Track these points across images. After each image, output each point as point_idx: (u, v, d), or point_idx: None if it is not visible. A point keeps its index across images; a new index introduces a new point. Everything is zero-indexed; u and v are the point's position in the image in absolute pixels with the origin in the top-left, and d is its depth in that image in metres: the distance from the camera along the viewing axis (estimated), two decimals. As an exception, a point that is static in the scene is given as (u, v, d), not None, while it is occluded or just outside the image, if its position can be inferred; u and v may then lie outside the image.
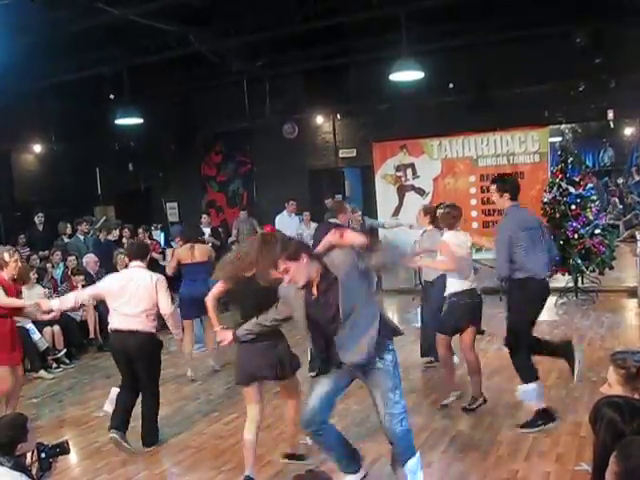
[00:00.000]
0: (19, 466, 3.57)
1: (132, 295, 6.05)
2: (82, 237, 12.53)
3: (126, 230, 12.64)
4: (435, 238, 7.23)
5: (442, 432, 6.02)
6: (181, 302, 8.68)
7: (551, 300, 11.01)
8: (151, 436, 6.17)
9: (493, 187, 6.21)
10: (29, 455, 3.74)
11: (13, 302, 6.64)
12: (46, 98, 13.95)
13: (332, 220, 8.21)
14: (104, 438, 6.43)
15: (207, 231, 13.02)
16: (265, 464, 5.56)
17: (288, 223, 13.40)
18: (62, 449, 3.88)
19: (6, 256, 6.71)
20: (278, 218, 13.53)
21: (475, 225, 12.52)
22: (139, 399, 6.25)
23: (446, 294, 6.48)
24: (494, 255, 6.10)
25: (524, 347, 6.04)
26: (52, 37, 10.07)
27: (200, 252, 8.79)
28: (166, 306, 6.16)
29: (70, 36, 10.03)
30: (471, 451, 5.54)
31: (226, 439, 6.25)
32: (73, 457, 5.95)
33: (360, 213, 11.38)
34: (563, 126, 12.35)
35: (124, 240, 12.39)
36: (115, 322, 6.16)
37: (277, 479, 5.27)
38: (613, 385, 3.48)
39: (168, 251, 12.47)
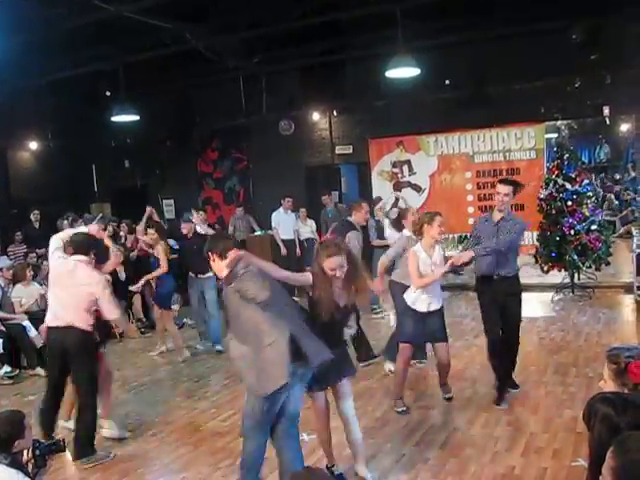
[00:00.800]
0: (16, 463, 3.55)
1: (68, 288, 5.79)
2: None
3: (124, 225, 12.58)
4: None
5: (439, 429, 6.03)
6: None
7: (548, 296, 11.08)
8: (85, 448, 5.85)
9: (508, 188, 6.38)
10: (25, 452, 3.69)
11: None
12: (42, 95, 13.94)
13: (348, 218, 8.25)
14: (99, 436, 6.43)
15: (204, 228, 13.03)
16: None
17: (284, 220, 13.40)
18: (57, 446, 3.85)
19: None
20: (274, 215, 13.52)
21: (471, 221, 12.49)
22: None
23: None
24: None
25: None
26: (48, 34, 10.05)
27: None
28: (111, 311, 5.90)
29: (66, 33, 10.02)
30: (468, 447, 5.55)
31: (223, 436, 6.25)
32: (68, 455, 5.93)
33: (380, 205, 11.36)
34: (559, 122, 12.38)
35: (121, 234, 12.36)
36: (50, 317, 5.95)
37: (273, 476, 5.26)
38: (607, 380, 3.51)
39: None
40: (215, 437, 6.25)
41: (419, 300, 6.25)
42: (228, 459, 5.68)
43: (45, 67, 11.84)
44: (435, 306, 6.30)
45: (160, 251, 9.11)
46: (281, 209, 13.53)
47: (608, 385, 3.47)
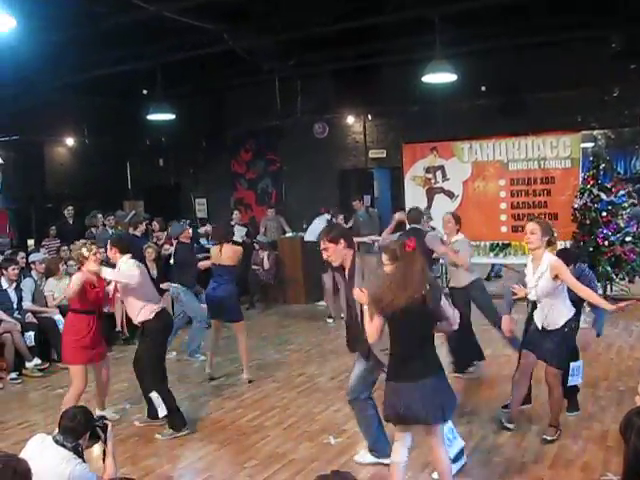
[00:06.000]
0: (76, 452, 3.97)
1: None
2: (110, 230, 12.62)
3: (155, 223, 12.60)
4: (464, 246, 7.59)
5: (466, 437, 5.96)
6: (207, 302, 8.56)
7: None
8: None
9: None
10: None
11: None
12: (80, 92, 14.11)
13: (416, 225, 8.33)
14: (128, 430, 6.50)
15: (243, 230, 13.17)
16: (287, 463, 5.56)
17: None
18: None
19: (84, 251, 6.75)
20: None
21: (504, 229, 12.40)
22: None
23: (563, 322, 5.69)
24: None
25: None
26: (87, 32, 10.16)
27: (227, 255, 8.24)
28: None
29: (105, 31, 10.11)
30: (495, 457, 5.50)
31: (249, 436, 6.26)
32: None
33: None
34: (596, 132, 12.21)
35: (155, 232, 12.41)
36: None
37: (299, 478, 5.27)
38: (640, 394, 3.46)
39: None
40: (241, 437, 6.27)
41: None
42: (254, 459, 5.70)
43: (84, 64, 11.97)
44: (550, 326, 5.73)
45: None
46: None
47: (643, 399, 3.43)
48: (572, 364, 6.07)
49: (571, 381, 6.10)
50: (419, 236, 7.70)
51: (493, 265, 13.63)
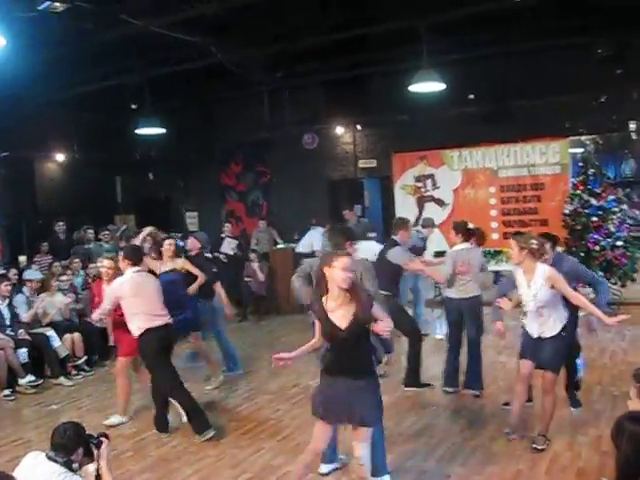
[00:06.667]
0: (68, 467, 3.97)
1: None
2: (105, 245, 12.59)
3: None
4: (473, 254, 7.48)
5: (461, 444, 5.98)
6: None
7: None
8: None
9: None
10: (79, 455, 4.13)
11: None
12: (69, 107, 14.09)
13: (393, 237, 7.84)
14: (122, 446, 6.45)
15: (234, 242, 13.17)
16: (281, 475, 5.54)
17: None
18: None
19: (98, 264, 7.06)
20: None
21: (495, 236, 12.42)
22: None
23: (560, 328, 5.68)
24: None
25: None
26: (77, 48, 10.15)
27: None
28: None
29: (93, 47, 10.12)
30: (490, 464, 5.49)
31: (244, 449, 6.24)
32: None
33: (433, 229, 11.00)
34: (584, 137, 12.27)
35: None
36: None
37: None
38: (633, 399, 3.47)
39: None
40: (235, 450, 6.24)
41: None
42: (248, 472, 5.68)
43: (72, 80, 11.98)
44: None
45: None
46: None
47: (635, 404, 3.43)
48: (578, 361, 6.49)
49: (577, 377, 6.54)
50: (390, 248, 7.64)
51: None
